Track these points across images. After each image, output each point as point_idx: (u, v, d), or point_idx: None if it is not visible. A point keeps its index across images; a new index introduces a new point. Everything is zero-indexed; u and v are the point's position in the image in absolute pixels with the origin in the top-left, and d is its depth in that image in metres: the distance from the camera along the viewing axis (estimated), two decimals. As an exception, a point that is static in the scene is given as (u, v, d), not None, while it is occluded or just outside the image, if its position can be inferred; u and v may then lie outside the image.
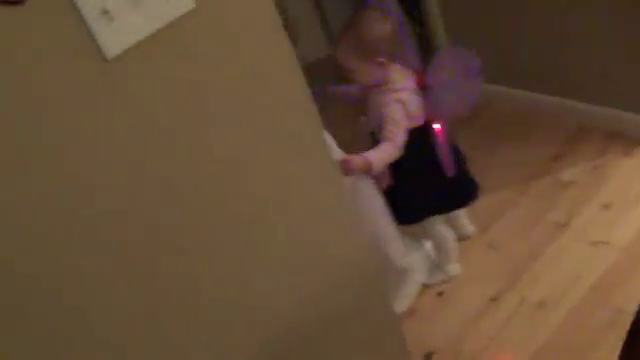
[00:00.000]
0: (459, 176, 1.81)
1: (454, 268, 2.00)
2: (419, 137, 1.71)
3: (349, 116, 1.93)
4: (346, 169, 1.61)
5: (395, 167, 1.73)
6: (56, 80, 0.91)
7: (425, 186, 1.78)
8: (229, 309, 1.26)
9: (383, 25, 1.61)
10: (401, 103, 1.66)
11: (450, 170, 1.73)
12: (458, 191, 1.85)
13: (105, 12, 0.92)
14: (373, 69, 1.65)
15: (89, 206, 1.00)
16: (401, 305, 1.96)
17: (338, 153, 1.66)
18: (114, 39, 0.94)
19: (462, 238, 2.07)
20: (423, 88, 1.70)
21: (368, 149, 1.66)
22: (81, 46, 0.91)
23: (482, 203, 2.09)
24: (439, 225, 1.92)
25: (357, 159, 1.63)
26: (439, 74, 1.69)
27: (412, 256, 1.97)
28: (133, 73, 0.97)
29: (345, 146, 1.67)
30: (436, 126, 1.70)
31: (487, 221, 2.14)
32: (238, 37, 1.08)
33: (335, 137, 1.63)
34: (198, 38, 1.03)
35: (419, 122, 1.71)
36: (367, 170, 1.64)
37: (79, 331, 1.05)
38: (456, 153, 1.83)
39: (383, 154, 1.66)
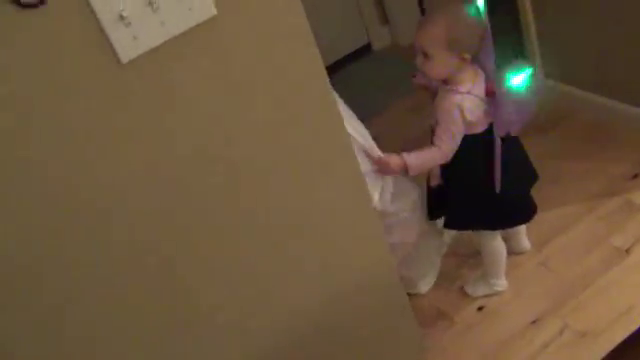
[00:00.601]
0: (514, 195, 1.75)
1: (501, 284, 1.94)
2: (477, 145, 1.65)
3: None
4: (383, 169, 1.61)
5: (447, 168, 1.70)
6: (72, 80, 0.96)
7: (474, 197, 1.73)
8: (250, 309, 1.30)
9: (479, 22, 1.54)
10: (460, 109, 1.61)
11: (497, 186, 1.67)
12: (510, 210, 1.79)
13: (122, 17, 0.95)
14: (452, 63, 1.57)
15: (102, 203, 1.06)
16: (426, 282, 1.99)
17: (375, 150, 1.65)
18: (129, 44, 0.97)
19: (515, 252, 2.01)
20: (490, 95, 1.63)
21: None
22: (97, 49, 0.96)
23: (544, 216, 2.02)
24: (493, 238, 1.86)
25: (395, 159, 1.62)
26: (506, 89, 1.62)
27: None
28: (148, 77, 1.01)
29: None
30: (496, 137, 1.64)
31: (545, 236, 2.06)
32: (261, 46, 1.09)
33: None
34: (218, 46, 1.05)
35: (480, 129, 1.65)
36: (404, 172, 1.64)
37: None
38: (521, 169, 1.76)
39: (424, 159, 1.64)
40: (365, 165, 1.56)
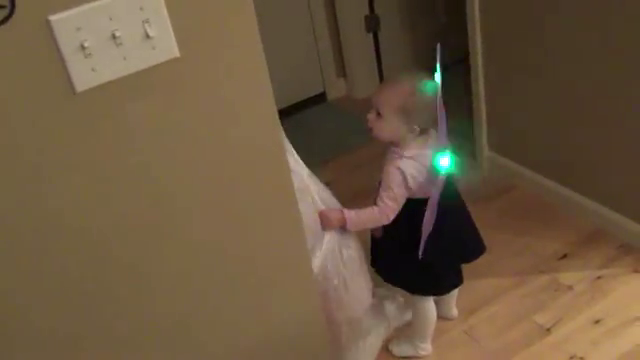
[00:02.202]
0: (445, 267, 1.84)
1: (425, 347, 1.98)
2: (415, 209, 1.71)
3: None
4: (322, 222, 1.65)
5: (387, 225, 1.75)
6: (23, 105, 0.96)
7: (403, 258, 1.78)
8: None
9: (434, 99, 1.61)
10: (402, 173, 1.67)
11: (420, 252, 1.72)
12: (431, 278, 1.86)
13: (83, 47, 0.97)
14: (401, 129, 1.66)
15: (54, 239, 1.06)
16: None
17: (332, 202, 1.69)
18: (87, 74, 0.99)
19: (443, 317, 2.06)
20: None
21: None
22: (53, 75, 0.97)
23: (474, 285, 2.09)
24: (426, 300, 1.91)
25: (335, 214, 1.67)
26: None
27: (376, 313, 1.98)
28: (100, 110, 1.02)
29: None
30: (427, 207, 1.69)
31: (473, 305, 2.13)
32: (218, 92, 1.11)
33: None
34: (176, 87, 1.07)
35: (420, 195, 1.70)
36: (342, 227, 1.69)
37: None
38: (456, 241, 1.82)
39: (364, 217, 1.70)
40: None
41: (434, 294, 1.91)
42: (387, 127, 1.66)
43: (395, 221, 1.72)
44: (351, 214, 1.69)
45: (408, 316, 2.06)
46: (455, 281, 1.90)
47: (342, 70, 3.55)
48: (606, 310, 2.05)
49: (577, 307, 2.07)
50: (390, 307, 2.07)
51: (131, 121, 1.05)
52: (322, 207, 1.67)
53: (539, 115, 2.43)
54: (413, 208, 1.71)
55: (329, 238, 1.68)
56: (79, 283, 1.12)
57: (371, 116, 1.68)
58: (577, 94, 2.23)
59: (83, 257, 1.10)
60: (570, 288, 2.14)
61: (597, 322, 2.01)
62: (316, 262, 1.61)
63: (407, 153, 1.67)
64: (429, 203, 1.66)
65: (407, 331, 2.02)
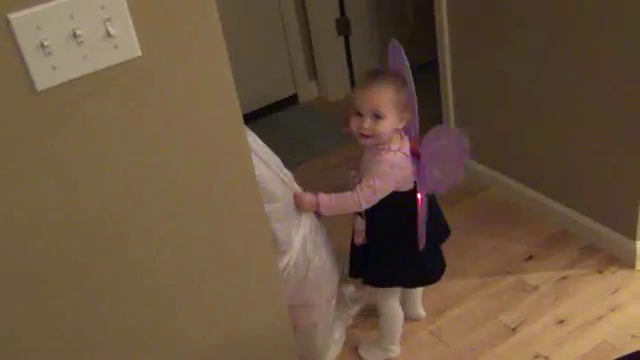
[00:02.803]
0: (432, 253, 1.83)
1: (394, 349, 2.00)
2: (402, 202, 1.73)
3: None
4: (296, 204, 1.69)
5: (372, 225, 1.77)
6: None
7: (396, 253, 1.79)
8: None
9: (412, 87, 1.68)
10: (392, 166, 1.69)
11: (422, 243, 1.74)
12: (427, 268, 1.86)
13: (43, 46, 0.97)
14: (399, 122, 1.69)
15: (19, 239, 1.05)
16: (332, 353, 2.02)
17: (295, 188, 1.71)
18: (47, 73, 0.99)
19: (410, 318, 2.08)
20: (415, 156, 1.73)
21: None
22: (12, 74, 0.96)
23: (441, 287, 2.10)
24: (394, 300, 1.93)
25: (308, 197, 1.71)
26: (431, 146, 1.71)
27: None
28: (61, 108, 1.02)
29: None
30: (419, 196, 1.72)
31: (440, 306, 2.15)
32: (180, 92, 1.12)
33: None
34: (138, 86, 1.08)
35: (405, 187, 1.73)
36: (315, 210, 1.73)
37: None
38: (438, 228, 1.85)
39: (337, 202, 1.72)
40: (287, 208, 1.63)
41: (431, 282, 1.91)
42: (389, 126, 1.67)
43: (384, 220, 1.75)
44: (324, 199, 1.72)
45: (362, 302, 2.13)
46: (443, 264, 1.89)
47: (314, 72, 3.57)
48: (570, 310, 2.08)
49: (542, 307, 2.11)
50: (348, 291, 2.12)
51: (94, 119, 1.05)
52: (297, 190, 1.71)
53: (506, 118, 2.47)
54: (403, 200, 1.73)
55: (306, 219, 1.71)
56: (43, 284, 1.12)
57: (368, 122, 1.67)
58: (543, 97, 2.27)
59: (49, 254, 1.10)
60: (536, 288, 2.18)
61: (561, 322, 2.05)
62: (296, 245, 1.65)
63: (393, 147, 1.70)
64: (420, 191, 1.71)
65: (375, 335, 2.03)
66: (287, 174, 1.71)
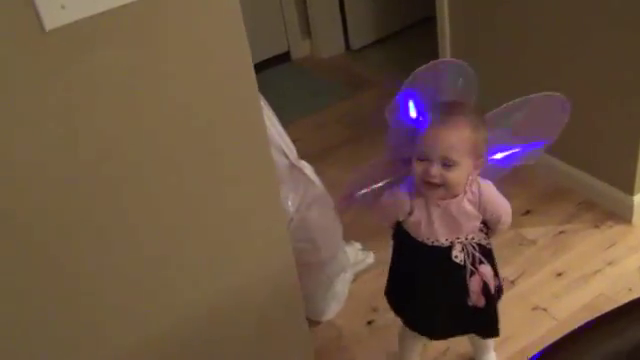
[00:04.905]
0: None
1: None
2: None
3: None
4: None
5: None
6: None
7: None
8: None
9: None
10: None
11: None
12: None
13: (52, -15, 0.95)
14: (473, 169, 1.44)
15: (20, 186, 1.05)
16: (332, 309, 2.03)
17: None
18: (56, 12, 0.97)
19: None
20: None
21: None
22: (22, 12, 0.95)
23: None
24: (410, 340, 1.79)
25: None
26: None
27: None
28: (70, 49, 1.01)
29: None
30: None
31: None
32: (193, 37, 1.11)
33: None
34: (149, 30, 1.07)
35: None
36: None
37: None
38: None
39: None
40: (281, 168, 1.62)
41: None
42: (462, 176, 1.43)
43: None
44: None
45: (370, 259, 2.14)
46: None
47: (307, 29, 3.54)
48: (568, 264, 2.12)
49: (540, 261, 2.14)
50: (351, 251, 2.13)
51: (103, 61, 1.04)
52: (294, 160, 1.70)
53: (504, 75, 2.46)
54: None
55: (298, 182, 1.72)
56: (43, 226, 1.12)
57: (436, 169, 1.39)
58: (542, 53, 2.27)
59: (49, 196, 1.10)
60: (533, 242, 2.21)
61: (559, 275, 2.08)
62: (291, 208, 1.65)
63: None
64: None
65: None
66: (289, 144, 1.71)
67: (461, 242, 1.50)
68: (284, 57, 3.54)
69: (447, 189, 1.42)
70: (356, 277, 2.16)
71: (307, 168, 1.77)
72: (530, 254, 2.17)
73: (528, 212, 2.33)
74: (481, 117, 1.45)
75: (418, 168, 1.41)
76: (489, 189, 1.50)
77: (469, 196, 1.47)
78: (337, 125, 2.99)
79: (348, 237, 2.09)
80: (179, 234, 1.28)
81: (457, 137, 1.38)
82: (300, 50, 3.57)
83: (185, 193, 1.25)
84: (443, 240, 1.50)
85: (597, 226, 2.24)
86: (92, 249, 1.18)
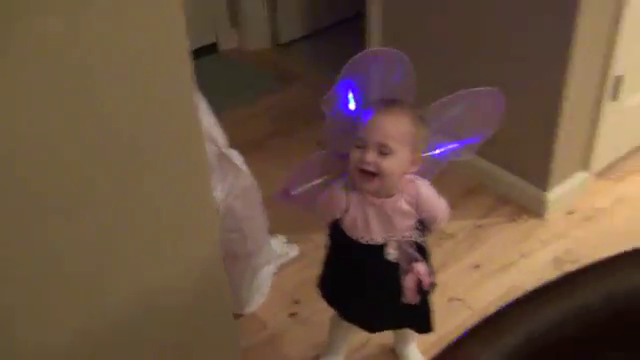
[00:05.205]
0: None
1: None
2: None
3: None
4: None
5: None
6: None
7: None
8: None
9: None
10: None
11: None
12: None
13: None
14: (409, 164, 1.47)
15: None
16: (255, 301, 2.05)
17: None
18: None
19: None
20: None
21: None
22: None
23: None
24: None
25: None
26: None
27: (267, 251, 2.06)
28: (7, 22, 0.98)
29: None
30: None
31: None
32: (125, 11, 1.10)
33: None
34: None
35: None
36: None
37: None
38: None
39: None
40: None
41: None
42: (397, 166, 1.44)
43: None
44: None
45: (294, 252, 2.17)
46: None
47: (235, 20, 3.52)
48: (484, 256, 2.21)
49: (458, 254, 2.23)
50: (275, 243, 2.16)
51: (39, 35, 1.02)
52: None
53: (435, 72, 2.53)
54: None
55: (227, 173, 1.73)
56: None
57: (372, 155, 1.41)
58: (469, 51, 2.35)
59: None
60: (452, 236, 2.29)
61: (476, 267, 2.17)
62: (219, 197, 1.65)
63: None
64: None
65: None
66: (219, 133, 1.71)
67: (396, 240, 1.53)
68: (211, 48, 3.52)
69: (381, 179, 1.43)
70: (279, 270, 2.18)
71: (236, 157, 1.78)
72: (449, 247, 2.25)
73: (449, 207, 2.40)
74: (420, 116, 1.47)
75: (354, 156, 1.42)
76: (427, 189, 1.53)
77: (406, 196, 1.50)
78: (265, 118, 3.00)
79: (273, 230, 2.11)
80: (103, 223, 1.26)
81: (395, 125, 1.41)
82: (228, 42, 3.55)
83: (111, 180, 1.23)
84: (378, 238, 1.52)
85: (512, 220, 2.35)
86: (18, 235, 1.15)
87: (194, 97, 1.28)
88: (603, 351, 1.05)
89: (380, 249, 1.53)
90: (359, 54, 1.49)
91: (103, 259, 1.31)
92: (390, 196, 1.49)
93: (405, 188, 1.49)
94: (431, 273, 1.60)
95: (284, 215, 2.02)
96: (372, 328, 1.74)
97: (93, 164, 1.19)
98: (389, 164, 1.41)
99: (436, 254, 2.17)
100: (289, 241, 2.24)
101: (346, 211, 1.52)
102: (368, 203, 1.49)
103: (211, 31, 3.49)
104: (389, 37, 2.63)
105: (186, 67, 1.24)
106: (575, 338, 1.01)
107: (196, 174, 1.37)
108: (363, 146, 1.41)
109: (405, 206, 1.50)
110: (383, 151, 1.40)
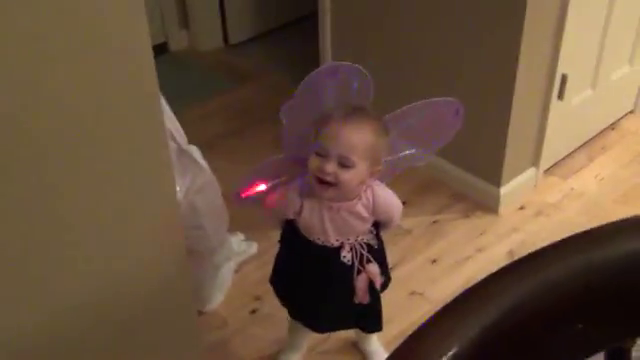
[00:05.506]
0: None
1: None
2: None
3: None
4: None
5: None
6: None
7: None
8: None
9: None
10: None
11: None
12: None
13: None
14: (367, 175, 1.46)
15: None
16: (216, 298, 2.03)
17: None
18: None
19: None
20: None
21: None
22: None
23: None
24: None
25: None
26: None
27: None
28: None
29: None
30: None
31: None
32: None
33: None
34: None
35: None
36: None
37: None
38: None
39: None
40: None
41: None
42: (355, 179, 1.43)
43: None
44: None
45: (252, 250, 2.17)
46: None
47: (185, 21, 3.49)
48: (441, 251, 2.25)
49: (416, 249, 2.26)
50: (234, 241, 2.14)
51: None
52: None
53: (383, 69, 2.57)
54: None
55: (188, 168, 1.70)
56: None
57: (332, 166, 1.39)
58: (423, 51, 2.39)
59: None
60: (409, 232, 2.32)
61: (434, 262, 2.21)
62: (179, 193, 1.63)
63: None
64: None
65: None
66: (178, 129, 1.70)
67: (350, 243, 1.54)
68: (162, 48, 3.48)
69: (339, 189, 1.42)
70: (238, 267, 2.17)
71: (196, 153, 1.77)
72: (406, 243, 2.28)
73: (404, 203, 2.40)
74: (383, 125, 1.46)
75: (313, 163, 1.40)
76: (383, 192, 1.54)
77: (363, 201, 1.50)
78: (218, 117, 2.98)
79: (231, 228, 2.10)
80: (62, 214, 1.23)
81: (359, 138, 1.38)
82: (178, 42, 3.52)
83: (72, 173, 1.20)
84: (333, 241, 1.53)
85: (467, 216, 2.40)
86: None
87: (157, 91, 1.27)
88: (572, 324, 1.08)
89: (334, 251, 1.54)
90: (320, 69, 1.51)
91: (64, 254, 1.27)
92: (347, 200, 1.49)
93: (362, 194, 1.50)
94: (383, 273, 1.62)
95: (241, 213, 2.02)
96: (321, 328, 1.75)
97: (53, 155, 1.16)
98: (348, 176, 1.39)
99: (394, 250, 2.22)
100: (247, 239, 2.23)
101: (299, 213, 1.52)
102: (324, 207, 1.50)
103: (160, 32, 3.45)
104: (339, 37, 2.66)
105: (149, 57, 1.22)
106: (545, 312, 1.04)
107: (159, 169, 1.35)
108: (324, 155, 1.39)
109: (362, 210, 1.51)
110: (344, 163, 1.38)
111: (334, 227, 1.51)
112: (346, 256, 1.54)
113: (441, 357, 0.78)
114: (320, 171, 1.39)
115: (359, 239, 1.55)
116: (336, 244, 1.54)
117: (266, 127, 2.82)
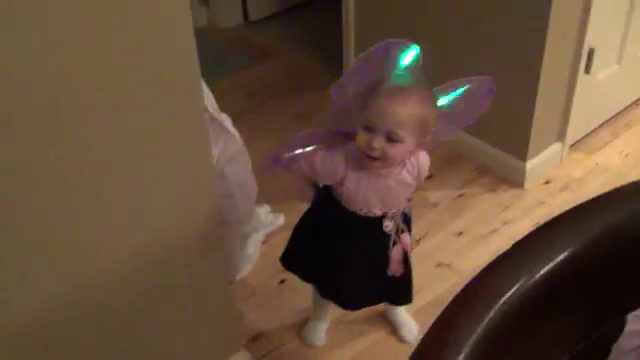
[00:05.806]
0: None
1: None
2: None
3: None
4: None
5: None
6: None
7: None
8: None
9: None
10: None
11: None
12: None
13: None
14: (415, 147, 1.44)
15: None
16: (245, 268, 2.04)
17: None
18: None
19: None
20: None
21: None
22: None
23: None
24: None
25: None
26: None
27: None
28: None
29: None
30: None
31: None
32: None
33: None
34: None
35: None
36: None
37: None
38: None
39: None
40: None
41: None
42: (404, 152, 1.42)
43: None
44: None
45: (279, 221, 2.16)
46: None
47: (205, -2, 3.49)
48: (467, 224, 2.25)
49: (442, 222, 2.26)
50: (261, 212, 2.15)
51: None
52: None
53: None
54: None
55: (218, 138, 1.70)
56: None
57: (379, 141, 1.37)
58: (446, 25, 2.38)
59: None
60: (435, 205, 2.33)
61: (460, 234, 2.21)
62: (219, 163, 1.64)
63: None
64: None
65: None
66: (209, 97, 1.70)
67: (392, 212, 1.54)
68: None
69: (385, 162, 1.41)
70: (266, 239, 2.17)
71: (227, 121, 1.76)
72: (432, 216, 2.28)
73: (430, 177, 2.43)
74: (432, 95, 1.43)
75: (361, 138, 1.38)
76: (425, 159, 1.53)
77: (408, 167, 1.49)
78: (238, 94, 2.98)
79: (258, 199, 2.10)
80: (100, 179, 1.24)
81: (407, 113, 1.35)
82: (198, 19, 3.50)
83: (111, 141, 1.21)
84: (376, 211, 1.52)
85: (493, 190, 2.39)
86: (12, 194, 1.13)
87: (195, 59, 1.27)
88: (569, 304, 1.14)
89: (377, 221, 1.54)
90: (372, 48, 1.46)
91: (106, 220, 1.28)
92: (393, 167, 1.47)
93: (407, 160, 1.48)
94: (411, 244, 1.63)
95: (268, 185, 2.03)
96: (351, 305, 1.74)
97: (96, 119, 1.17)
98: (396, 151, 1.38)
99: (420, 223, 2.23)
100: (274, 210, 2.23)
101: (341, 183, 1.49)
102: (372, 175, 1.47)
103: (180, 8, 3.44)
104: (363, 14, 2.64)
105: (188, 32, 1.23)
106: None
107: (196, 137, 1.36)
108: (371, 129, 1.36)
109: (407, 177, 1.50)
110: (392, 138, 1.36)
111: (378, 197, 1.50)
112: (388, 225, 1.54)
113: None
114: (368, 147, 1.37)
115: (400, 208, 1.55)
116: (379, 214, 1.53)
117: (286, 104, 2.83)
